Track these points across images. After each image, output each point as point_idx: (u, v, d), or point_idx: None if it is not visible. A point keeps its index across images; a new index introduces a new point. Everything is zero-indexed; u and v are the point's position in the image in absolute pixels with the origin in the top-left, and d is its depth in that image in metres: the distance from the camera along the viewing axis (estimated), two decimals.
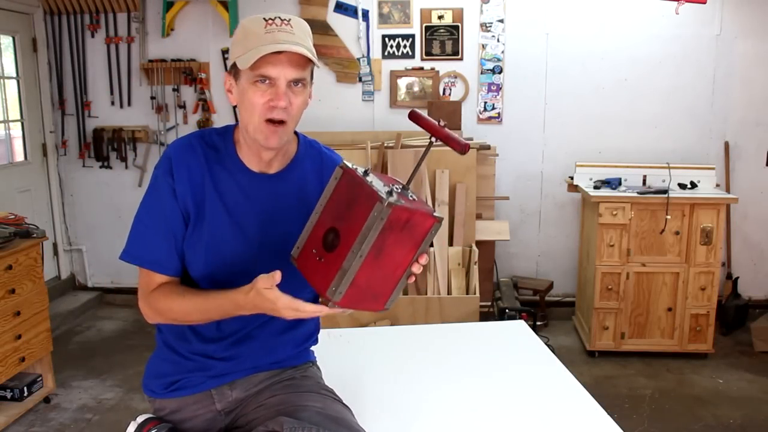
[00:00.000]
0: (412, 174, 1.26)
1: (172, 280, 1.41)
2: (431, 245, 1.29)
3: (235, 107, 1.41)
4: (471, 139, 3.97)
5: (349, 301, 1.20)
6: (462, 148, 1.25)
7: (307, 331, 1.58)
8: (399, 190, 1.21)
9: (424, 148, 1.25)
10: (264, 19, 1.31)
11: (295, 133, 1.50)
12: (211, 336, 1.47)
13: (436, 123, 1.27)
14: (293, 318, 1.25)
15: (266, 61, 1.29)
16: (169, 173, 1.39)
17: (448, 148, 1.28)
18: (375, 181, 1.21)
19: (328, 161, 1.51)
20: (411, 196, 1.24)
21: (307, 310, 1.23)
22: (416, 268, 1.26)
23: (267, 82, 1.31)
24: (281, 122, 1.33)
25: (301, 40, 1.31)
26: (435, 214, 1.24)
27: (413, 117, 1.32)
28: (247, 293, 1.26)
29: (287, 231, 1.40)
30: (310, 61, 1.32)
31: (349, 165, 1.24)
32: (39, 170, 4.66)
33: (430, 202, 3.71)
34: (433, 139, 1.28)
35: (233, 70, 1.36)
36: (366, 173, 1.22)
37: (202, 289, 1.39)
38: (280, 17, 1.32)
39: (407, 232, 1.21)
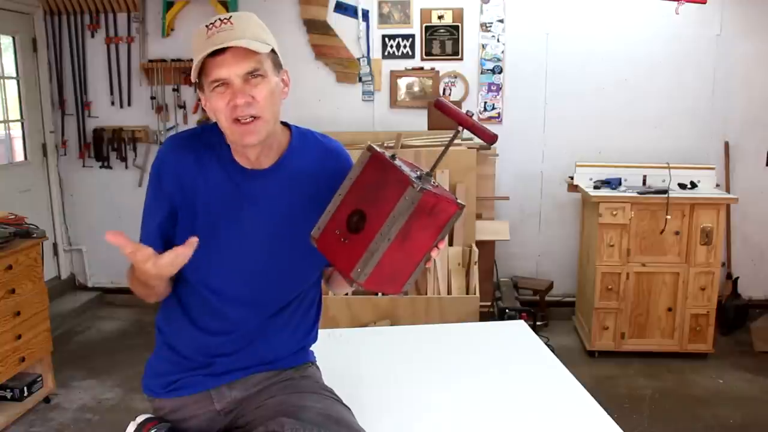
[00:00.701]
0: (436, 161, 1.26)
1: None
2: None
3: None
4: (471, 140, 3.96)
5: (371, 282, 1.22)
6: (491, 139, 1.25)
7: (306, 330, 1.58)
8: (424, 176, 1.22)
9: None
10: (206, 26, 1.31)
11: (288, 125, 1.49)
12: (214, 330, 1.47)
13: (463, 113, 1.27)
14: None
15: (213, 65, 1.29)
16: (158, 173, 1.43)
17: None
18: (403, 166, 1.22)
19: (324, 150, 1.49)
20: (434, 183, 1.25)
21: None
22: (435, 253, 1.28)
23: (223, 84, 1.31)
24: (253, 118, 1.32)
25: (242, 32, 1.29)
26: (458, 201, 1.26)
27: (438, 105, 1.31)
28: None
29: (281, 224, 1.42)
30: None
31: (377, 148, 1.25)
32: (39, 170, 4.66)
33: None
34: (460, 128, 1.27)
35: (200, 87, 1.37)
36: (393, 157, 1.23)
37: None
38: (220, 18, 1.31)
39: (432, 217, 1.22)
